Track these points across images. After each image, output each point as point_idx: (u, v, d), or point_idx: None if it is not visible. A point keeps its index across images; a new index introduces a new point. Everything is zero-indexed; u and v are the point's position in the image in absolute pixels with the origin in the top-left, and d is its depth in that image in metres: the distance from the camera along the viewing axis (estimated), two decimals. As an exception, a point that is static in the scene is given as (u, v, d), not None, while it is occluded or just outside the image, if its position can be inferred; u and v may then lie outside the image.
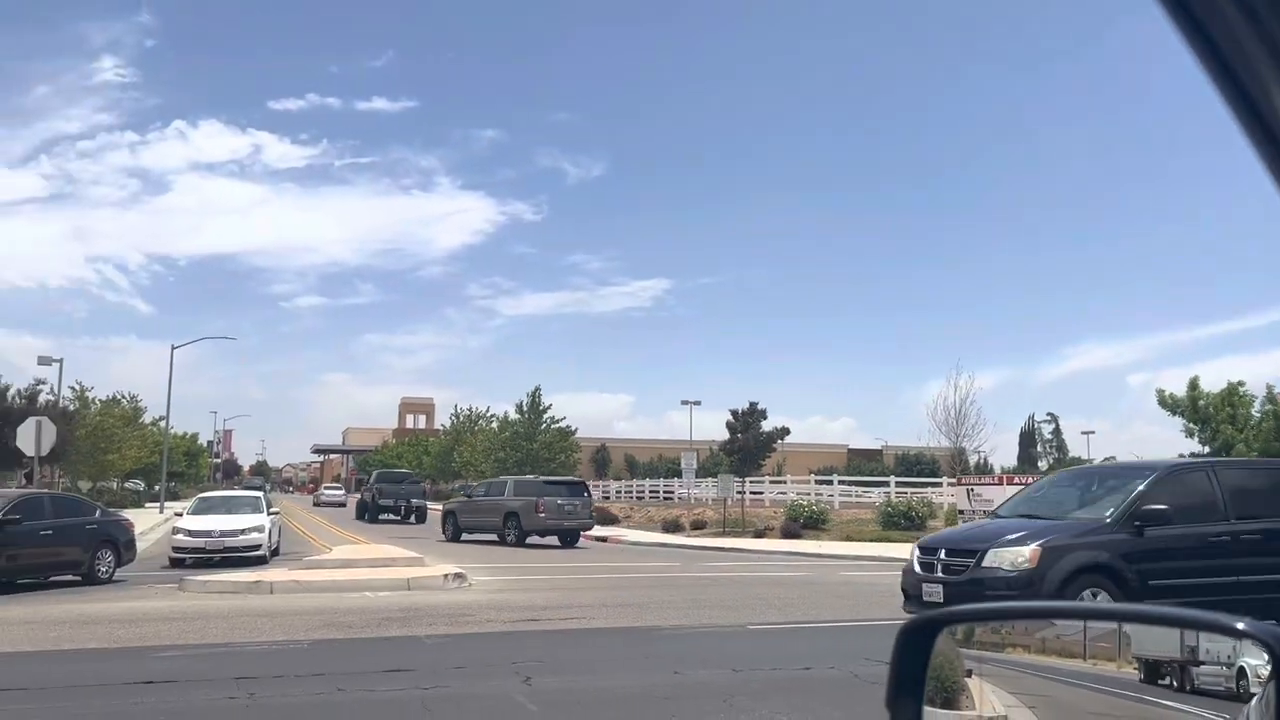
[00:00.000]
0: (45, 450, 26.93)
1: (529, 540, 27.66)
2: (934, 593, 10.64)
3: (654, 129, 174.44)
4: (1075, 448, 77.88)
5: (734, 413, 37.92)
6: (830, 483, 43.56)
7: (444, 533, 30.56)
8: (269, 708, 7.09)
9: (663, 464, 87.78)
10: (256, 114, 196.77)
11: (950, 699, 1.58)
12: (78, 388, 50.66)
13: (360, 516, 43.14)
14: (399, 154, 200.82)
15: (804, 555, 25.10)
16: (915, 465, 65.77)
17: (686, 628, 11.73)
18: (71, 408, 44.78)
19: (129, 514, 23.65)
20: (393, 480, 44.96)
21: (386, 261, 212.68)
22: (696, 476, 41.18)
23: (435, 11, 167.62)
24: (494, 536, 28.42)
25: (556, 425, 61.61)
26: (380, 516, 41.60)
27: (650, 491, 55.38)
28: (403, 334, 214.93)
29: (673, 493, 52.29)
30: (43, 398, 40.82)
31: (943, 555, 10.93)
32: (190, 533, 20.51)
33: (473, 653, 9.73)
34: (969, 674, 1.59)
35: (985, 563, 10.26)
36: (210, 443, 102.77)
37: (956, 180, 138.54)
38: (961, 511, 28.83)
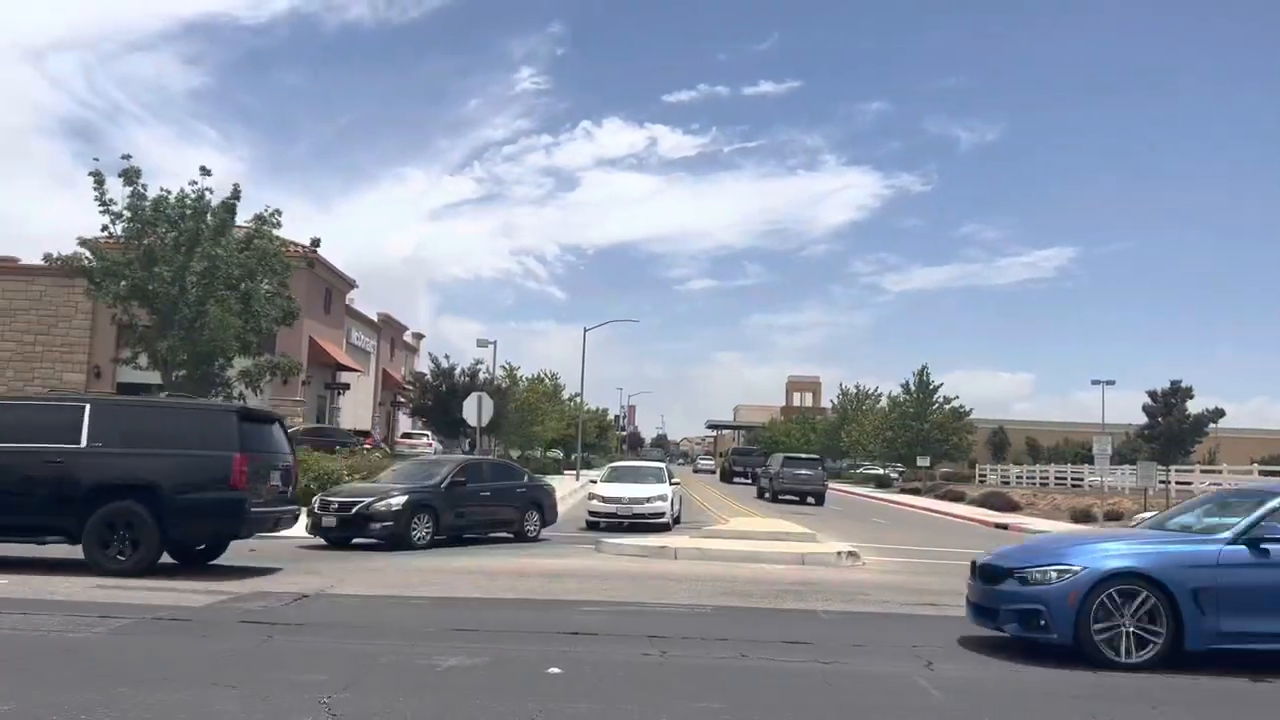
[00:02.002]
0: (485, 421, 30.67)
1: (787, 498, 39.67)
2: None
3: (1055, 84, 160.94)
4: None
5: (1152, 394, 34.25)
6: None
7: (757, 492, 44.87)
8: (680, 667, 7.52)
9: (1069, 448, 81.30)
10: (652, 108, 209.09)
11: None
12: (508, 367, 57.08)
13: (722, 479, 63.28)
14: (785, 135, 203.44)
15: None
16: (1393, 456, 55.37)
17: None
18: (503, 384, 50.49)
19: (550, 480, 26.24)
20: (743, 454, 67.24)
21: (772, 242, 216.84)
22: (1111, 463, 37.65)
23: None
24: (796, 498, 39.75)
25: (949, 405, 59.37)
26: (734, 480, 59.67)
27: (1055, 477, 51.56)
28: (788, 313, 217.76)
29: (1082, 480, 48.32)
30: (481, 375, 46.50)
31: None
32: (604, 499, 22.31)
33: (870, 632, 9.66)
34: None
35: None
36: (617, 417, 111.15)
37: None
38: None
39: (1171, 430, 35.15)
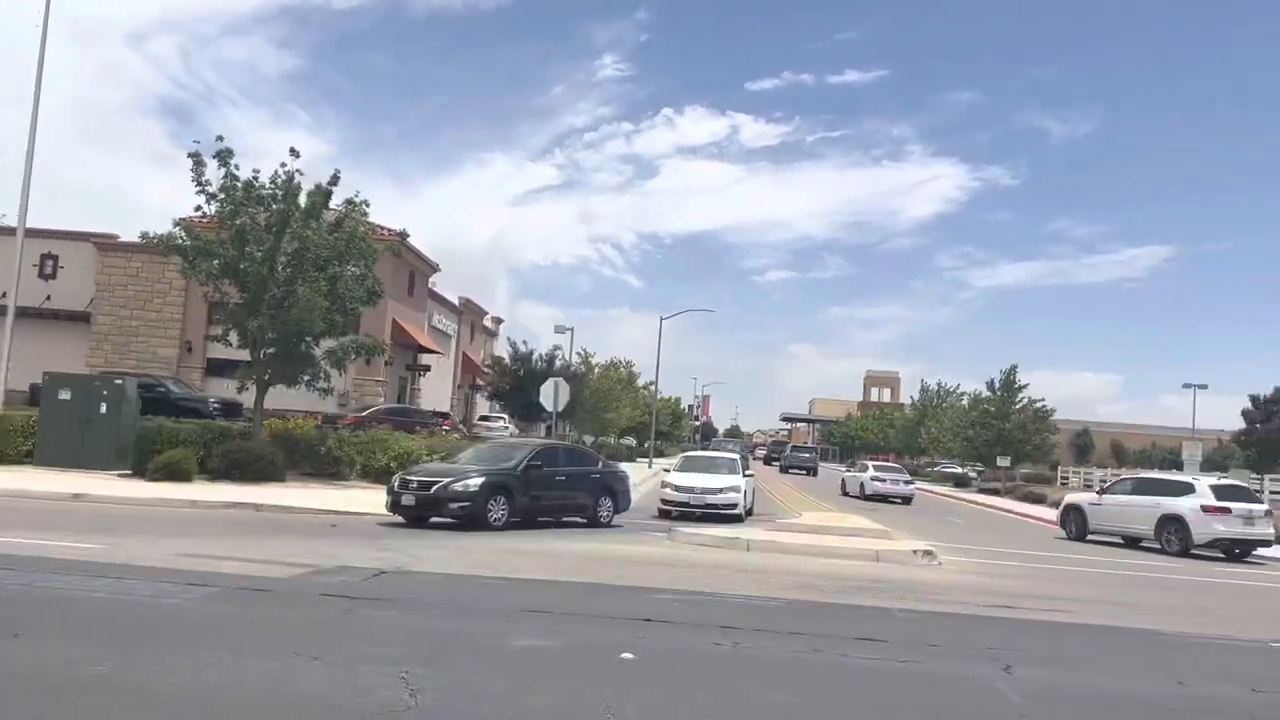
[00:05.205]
0: (561, 407, 30.92)
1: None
2: None
3: (1157, 73, 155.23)
4: None
5: (1254, 399, 32.91)
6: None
7: (778, 469, 67.05)
8: (752, 659, 7.48)
9: (1156, 453, 78.75)
10: (735, 96, 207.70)
11: None
12: (583, 353, 57.42)
13: (764, 463, 78.91)
14: (871, 125, 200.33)
15: (1344, 570, 21.15)
16: None
17: (1192, 636, 10.46)
18: (579, 370, 50.83)
19: (624, 467, 26.33)
20: (778, 445, 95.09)
21: (854, 234, 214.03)
22: (1201, 470, 36.39)
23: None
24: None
25: (1034, 406, 57.99)
26: (770, 463, 78.35)
27: (1141, 483, 49.96)
28: (867, 307, 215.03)
29: (1169, 486, 46.77)
30: (558, 361, 46.88)
31: None
32: (677, 488, 22.31)
33: (945, 632, 9.50)
34: None
35: None
36: (690, 406, 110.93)
37: None
38: None
39: (1270, 438, 33.69)
